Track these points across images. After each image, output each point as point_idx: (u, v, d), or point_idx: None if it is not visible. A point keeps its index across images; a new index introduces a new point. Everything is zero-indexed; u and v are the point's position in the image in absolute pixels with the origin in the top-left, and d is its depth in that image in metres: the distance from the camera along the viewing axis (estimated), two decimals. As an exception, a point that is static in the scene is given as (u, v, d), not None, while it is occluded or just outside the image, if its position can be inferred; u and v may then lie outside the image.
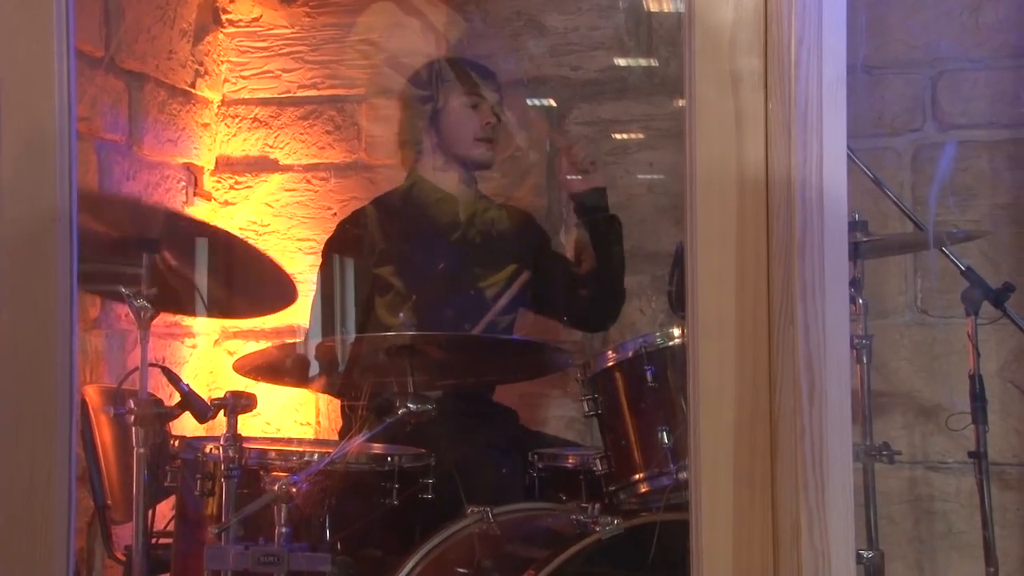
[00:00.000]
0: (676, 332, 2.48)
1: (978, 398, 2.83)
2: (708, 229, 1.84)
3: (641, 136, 3.77)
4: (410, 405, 2.62)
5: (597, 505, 2.53)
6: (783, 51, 1.83)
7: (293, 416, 3.82)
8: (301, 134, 3.98)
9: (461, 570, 2.55)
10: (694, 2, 1.86)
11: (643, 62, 3.78)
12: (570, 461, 2.85)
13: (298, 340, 3.67)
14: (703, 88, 1.85)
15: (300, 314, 3.77)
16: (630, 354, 2.56)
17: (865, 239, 2.76)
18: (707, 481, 1.84)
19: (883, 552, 2.77)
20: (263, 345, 3.83)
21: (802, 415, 1.77)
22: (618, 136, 3.81)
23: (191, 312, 3.17)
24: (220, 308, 3.16)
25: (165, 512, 2.93)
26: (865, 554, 2.75)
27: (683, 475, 2.45)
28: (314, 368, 2.86)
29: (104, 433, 3.04)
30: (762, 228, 1.81)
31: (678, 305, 2.43)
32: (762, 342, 1.81)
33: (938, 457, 3.37)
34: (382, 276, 3.25)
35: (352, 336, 3.18)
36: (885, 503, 3.16)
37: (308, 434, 3.85)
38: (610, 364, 2.60)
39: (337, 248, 3.39)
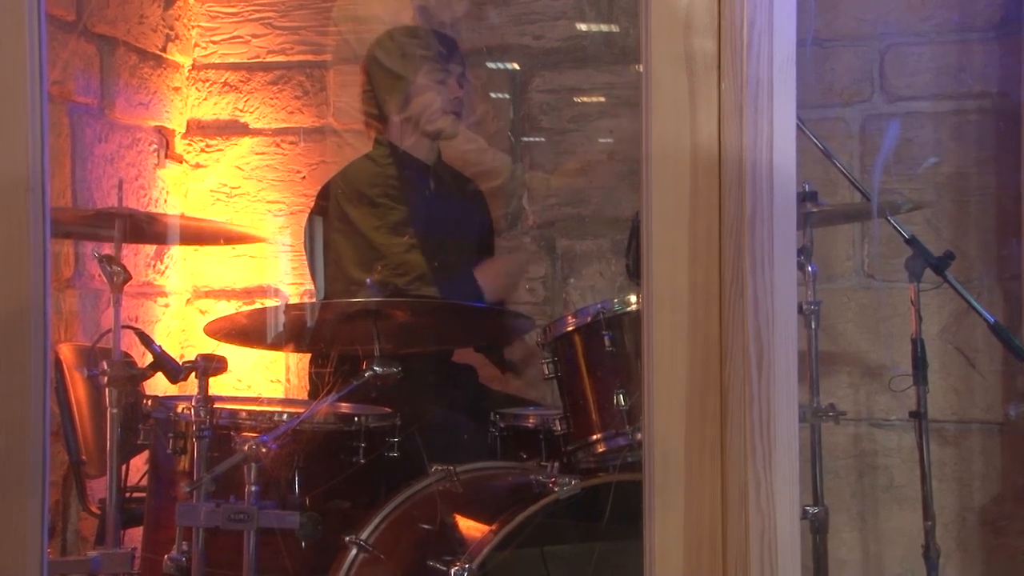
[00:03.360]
0: (633, 299, 2.50)
1: (919, 361, 2.86)
2: (662, 204, 1.85)
3: (602, 102, 3.77)
4: (376, 368, 2.64)
5: (556, 464, 2.54)
6: (735, 33, 1.84)
7: (264, 373, 3.82)
8: (271, 99, 3.94)
9: (425, 526, 2.58)
10: (651, -17, 1.87)
11: (604, 31, 3.78)
12: (531, 421, 2.88)
13: (268, 304, 3.69)
14: (659, 67, 1.85)
15: (271, 274, 3.78)
16: (589, 319, 2.58)
17: (815, 209, 2.77)
18: (659, 446, 1.85)
19: (828, 507, 2.80)
20: (234, 304, 3.83)
21: (751, 384, 1.79)
22: (579, 101, 3.82)
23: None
24: None
25: (139, 466, 2.94)
26: (811, 510, 2.79)
27: (639, 436, 2.46)
28: (282, 333, 2.87)
29: (79, 390, 3.04)
30: (714, 204, 1.82)
31: (635, 274, 2.45)
32: (713, 314, 1.82)
33: (882, 415, 3.41)
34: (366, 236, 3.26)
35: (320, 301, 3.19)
36: (831, 459, 3.21)
37: (278, 391, 3.86)
38: (569, 329, 2.62)
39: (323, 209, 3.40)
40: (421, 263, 3.39)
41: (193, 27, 4.05)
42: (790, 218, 1.87)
